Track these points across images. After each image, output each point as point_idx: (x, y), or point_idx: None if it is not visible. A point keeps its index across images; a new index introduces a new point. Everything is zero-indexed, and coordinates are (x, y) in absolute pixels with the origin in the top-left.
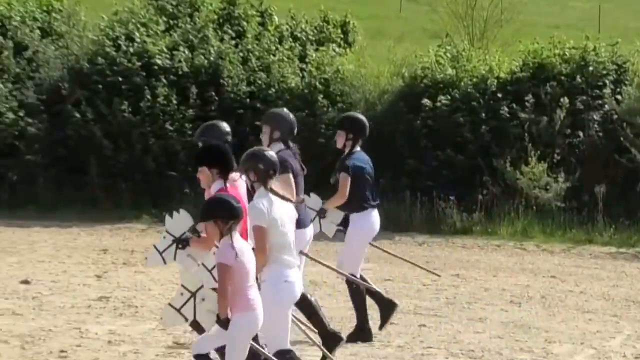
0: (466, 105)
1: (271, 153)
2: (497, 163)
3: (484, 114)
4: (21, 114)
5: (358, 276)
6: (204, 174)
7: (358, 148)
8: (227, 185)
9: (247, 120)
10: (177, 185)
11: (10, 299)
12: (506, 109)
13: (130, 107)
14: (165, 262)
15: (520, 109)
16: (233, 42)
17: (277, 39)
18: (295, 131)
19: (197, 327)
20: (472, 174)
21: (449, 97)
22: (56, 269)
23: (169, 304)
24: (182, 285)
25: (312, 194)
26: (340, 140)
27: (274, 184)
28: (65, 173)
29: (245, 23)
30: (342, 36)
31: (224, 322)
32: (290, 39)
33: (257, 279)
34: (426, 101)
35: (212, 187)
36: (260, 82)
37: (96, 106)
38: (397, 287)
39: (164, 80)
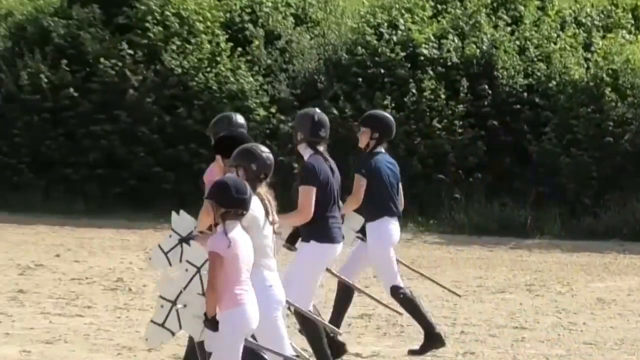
0: None
1: (268, 154)
2: None
3: None
4: (273, 110)
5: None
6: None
7: (382, 149)
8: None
9: (525, 118)
10: (447, 190)
11: None
12: None
13: (394, 102)
14: (170, 264)
15: None
16: (509, 29)
17: (558, 25)
18: (324, 133)
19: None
20: None
21: None
22: None
23: (151, 321)
24: (160, 297)
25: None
26: (363, 138)
27: (262, 188)
28: None
29: (522, 8)
30: (632, 22)
31: (212, 323)
32: (574, 25)
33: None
34: None
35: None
36: (539, 73)
37: (356, 101)
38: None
39: (431, 73)
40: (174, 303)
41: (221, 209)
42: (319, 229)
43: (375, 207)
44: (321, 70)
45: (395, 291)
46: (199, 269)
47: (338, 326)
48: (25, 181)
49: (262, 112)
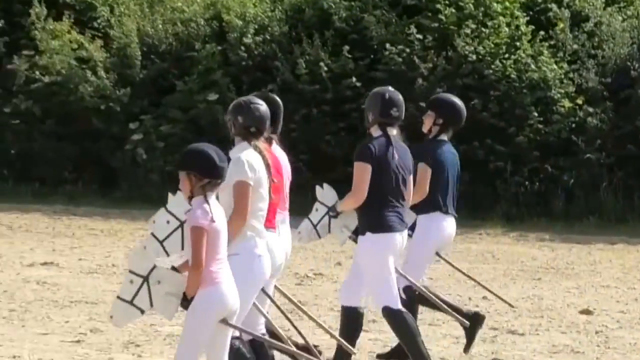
0: None
1: (259, 105)
2: None
3: None
4: (579, 101)
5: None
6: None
7: (445, 137)
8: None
9: None
10: None
11: (568, 333)
12: None
13: None
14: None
15: None
16: None
17: None
18: (396, 112)
19: None
20: None
21: None
22: (624, 296)
23: (118, 297)
24: (130, 271)
25: (325, 186)
26: (428, 122)
27: (260, 143)
28: (634, 177)
29: None
30: None
31: (190, 302)
32: None
33: None
34: None
35: None
36: None
37: None
38: None
39: None
40: (145, 279)
41: (204, 180)
42: (373, 218)
43: (430, 200)
44: (634, 55)
45: (407, 291)
46: (161, 243)
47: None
48: (302, 182)
49: (567, 103)
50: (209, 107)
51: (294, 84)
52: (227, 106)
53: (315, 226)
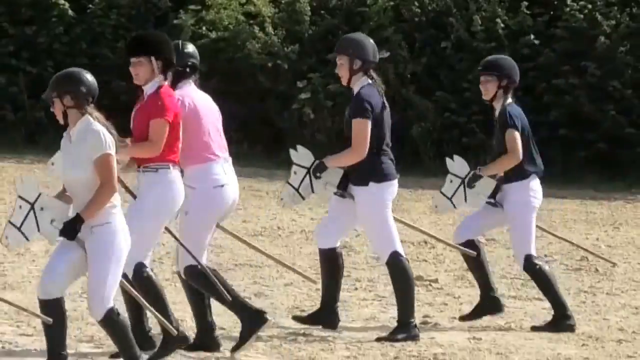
0: None
1: (89, 74)
2: None
3: None
4: None
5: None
6: (142, 66)
7: (511, 99)
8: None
9: None
10: None
11: None
12: None
13: None
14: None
15: None
16: None
17: None
18: (378, 58)
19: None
20: None
21: None
22: None
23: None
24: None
25: (300, 147)
26: (491, 88)
27: (95, 111)
28: None
29: None
30: None
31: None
32: None
33: None
34: None
35: (148, 86)
36: None
37: None
38: None
39: None
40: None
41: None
42: (375, 168)
43: (523, 165)
44: None
45: (530, 261)
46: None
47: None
48: (476, 143)
49: None
50: (379, 66)
51: (468, 41)
52: (398, 64)
53: (297, 189)
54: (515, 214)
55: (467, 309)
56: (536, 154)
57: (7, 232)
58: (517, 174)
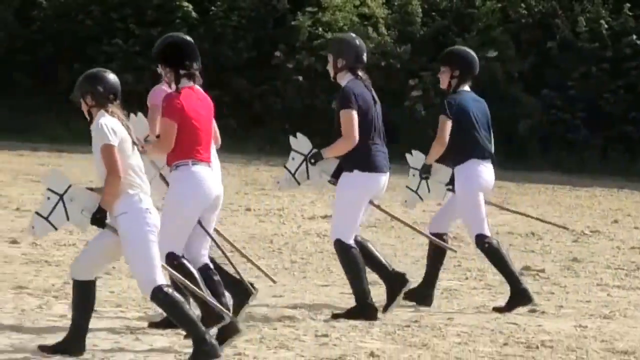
0: None
1: (109, 73)
2: None
3: None
4: None
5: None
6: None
7: (467, 87)
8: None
9: None
10: None
11: None
12: None
13: None
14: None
15: None
16: None
17: None
18: (365, 58)
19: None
20: None
21: None
22: None
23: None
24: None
25: (299, 135)
26: (444, 78)
27: (117, 109)
28: None
29: None
30: None
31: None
32: None
33: None
34: None
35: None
36: None
37: None
38: None
39: None
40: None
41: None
42: (361, 157)
43: (462, 148)
44: None
45: (481, 240)
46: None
47: (433, 285)
48: (580, 139)
49: None
50: (487, 65)
51: (573, 41)
52: (506, 63)
53: (293, 174)
54: (460, 195)
55: (573, 298)
56: (481, 138)
57: (34, 222)
58: (458, 158)
